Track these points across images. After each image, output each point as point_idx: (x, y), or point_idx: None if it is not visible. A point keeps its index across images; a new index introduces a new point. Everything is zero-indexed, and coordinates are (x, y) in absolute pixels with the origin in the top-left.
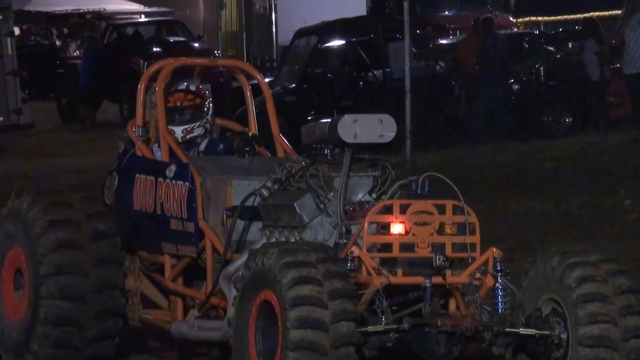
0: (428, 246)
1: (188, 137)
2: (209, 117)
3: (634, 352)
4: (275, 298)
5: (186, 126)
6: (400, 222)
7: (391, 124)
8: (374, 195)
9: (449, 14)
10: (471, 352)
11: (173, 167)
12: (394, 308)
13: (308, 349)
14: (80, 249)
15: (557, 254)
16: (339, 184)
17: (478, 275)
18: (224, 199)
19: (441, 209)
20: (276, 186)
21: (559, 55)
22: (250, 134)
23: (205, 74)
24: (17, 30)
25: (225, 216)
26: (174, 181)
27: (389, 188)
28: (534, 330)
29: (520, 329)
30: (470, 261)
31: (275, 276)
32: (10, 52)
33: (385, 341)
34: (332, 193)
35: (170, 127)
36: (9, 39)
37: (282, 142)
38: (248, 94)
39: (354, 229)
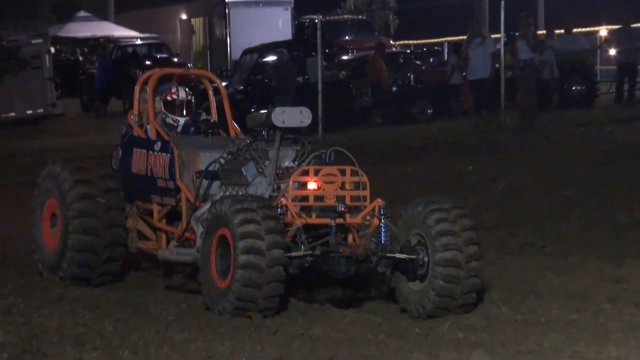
0: (333, 198)
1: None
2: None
3: (473, 270)
4: (229, 233)
5: (186, 118)
6: (314, 181)
7: (308, 113)
8: (296, 163)
9: (349, 38)
10: (363, 271)
11: (159, 143)
12: (309, 240)
13: (251, 268)
14: (95, 198)
15: (421, 202)
16: (272, 155)
17: (368, 217)
18: (194, 165)
19: (342, 172)
20: (229, 157)
21: (423, 67)
22: (212, 121)
23: (181, 79)
24: (52, 49)
25: (195, 177)
26: (159, 153)
27: (306, 158)
28: (405, 255)
29: (396, 255)
30: (362, 208)
31: (228, 218)
32: (48, 65)
33: (303, 263)
34: (267, 161)
35: (175, 116)
36: (47, 55)
37: (234, 126)
38: (210, 93)
39: (283, 186)
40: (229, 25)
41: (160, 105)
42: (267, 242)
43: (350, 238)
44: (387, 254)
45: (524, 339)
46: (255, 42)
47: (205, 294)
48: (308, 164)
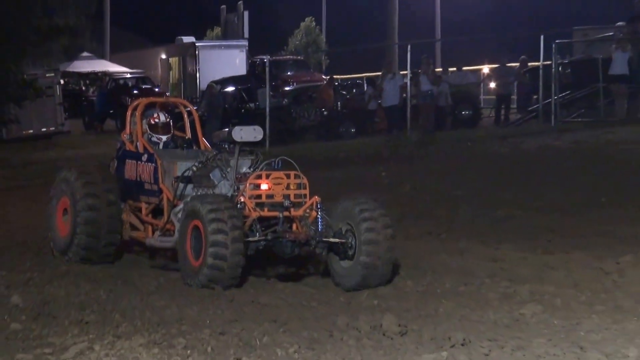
0: (281, 196)
1: (165, 141)
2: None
3: (389, 248)
4: (201, 226)
5: (167, 136)
6: (266, 183)
7: (260, 130)
8: (251, 169)
9: (290, 73)
10: (304, 253)
11: (146, 155)
12: (262, 229)
13: (219, 247)
14: (98, 197)
15: (349, 199)
16: (233, 163)
17: (308, 211)
18: (173, 172)
19: (288, 176)
20: (200, 165)
21: (348, 96)
22: (186, 138)
23: (162, 106)
24: (62, 81)
25: (174, 181)
26: (146, 163)
27: (259, 165)
28: (338, 240)
29: (330, 239)
30: (303, 203)
31: (202, 214)
32: (58, 93)
33: (258, 246)
34: (229, 168)
35: (158, 135)
36: (58, 86)
37: (204, 142)
38: (185, 116)
39: (242, 187)
40: (199, 63)
41: (146, 127)
42: (231, 236)
43: (294, 227)
44: (324, 239)
45: (424, 306)
46: (218, 76)
47: (182, 271)
48: (261, 170)
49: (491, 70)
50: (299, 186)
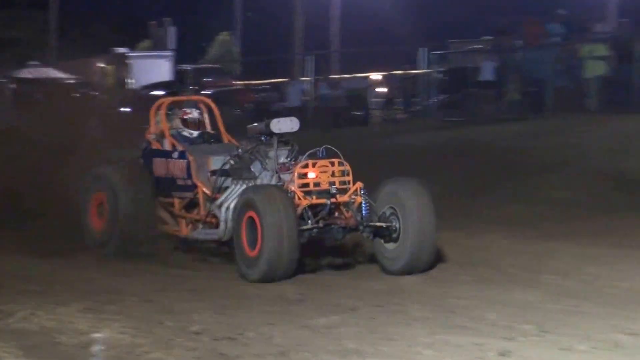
0: (327, 183)
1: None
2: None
3: (434, 232)
4: (256, 216)
5: (198, 132)
6: (313, 171)
7: (297, 121)
8: (289, 159)
9: (209, 79)
10: (352, 238)
11: (177, 153)
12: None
13: (275, 248)
14: (138, 192)
15: (392, 182)
16: (272, 154)
17: (353, 196)
18: (207, 167)
19: (332, 164)
20: (237, 158)
21: (259, 98)
22: (212, 133)
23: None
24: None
25: (209, 175)
26: (178, 160)
27: (297, 155)
28: (383, 224)
29: (377, 223)
30: (348, 190)
31: (257, 204)
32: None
33: (310, 234)
34: (267, 160)
35: (189, 130)
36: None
37: (227, 136)
38: (205, 114)
39: (285, 177)
40: (131, 70)
41: (176, 122)
42: (285, 218)
43: (336, 213)
44: (369, 224)
45: (320, 279)
46: (148, 81)
47: (239, 262)
48: (305, 159)
49: (382, 76)
50: (342, 173)
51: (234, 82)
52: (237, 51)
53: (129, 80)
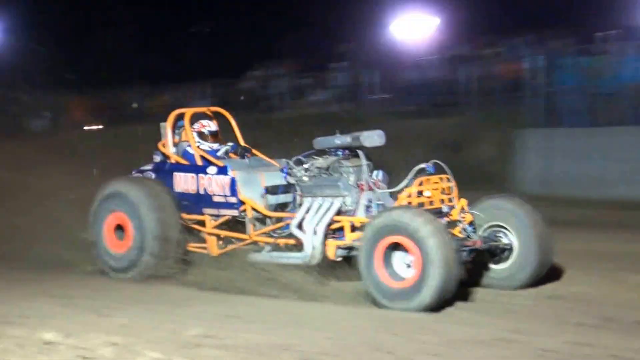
0: (439, 201)
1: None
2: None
3: (549, 249)
4: (407, 240)
5: (223, 147)
6: (429, 189)
7: (383, 134)
8: (372, 175)
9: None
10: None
11: (214, 168)
12: None
13: (446, 275)
14: (165, 211)
15: (492, 197)
16: (364, 170)
17: (462, 214)
18: (259, 182)
19: (441, 180)
20: (309, 173)
21: None
22: (245, 146)
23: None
24: None
25: (264, 192)
26: (216, 175)
27: (373, 170)
28: (501, 242)
29: (491, 243)
30: (454, 207)
31: (411, 227)
32: None
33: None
34: (350, 175)
35: (208, 144)
36: None
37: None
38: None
39: (378, 196)
40: None
41: (195, 135)
42: (450, 241)
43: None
44: (492, 243)
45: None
46: None
47: (377, 295)
48: (415, 175)
49: None
50: (450, 189)
51: None
52: None
53: None
